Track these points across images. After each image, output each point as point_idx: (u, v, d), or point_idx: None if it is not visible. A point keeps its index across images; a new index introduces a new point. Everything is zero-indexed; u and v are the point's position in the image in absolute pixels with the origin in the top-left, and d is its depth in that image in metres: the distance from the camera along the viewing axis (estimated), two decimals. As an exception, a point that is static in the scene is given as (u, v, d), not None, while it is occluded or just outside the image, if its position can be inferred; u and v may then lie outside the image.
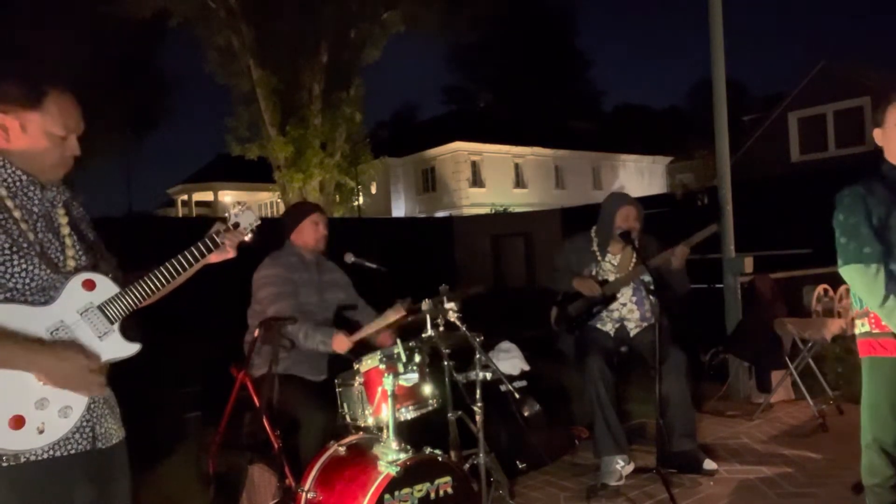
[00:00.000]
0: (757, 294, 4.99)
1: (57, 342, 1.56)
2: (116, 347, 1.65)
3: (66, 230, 1.69)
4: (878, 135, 2.35)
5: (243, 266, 3.23)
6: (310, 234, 3.34)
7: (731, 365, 5.24)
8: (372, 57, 20.42)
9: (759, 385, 4.98)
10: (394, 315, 2.85)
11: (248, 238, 1.89)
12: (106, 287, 1.66)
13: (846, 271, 2.26)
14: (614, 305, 3.86)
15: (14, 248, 1.54)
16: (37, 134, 1.60)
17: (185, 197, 35.87)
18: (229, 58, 19.33)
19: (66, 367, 1.53)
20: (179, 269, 1.75)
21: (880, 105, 2.36)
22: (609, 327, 3.89)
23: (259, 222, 1.90)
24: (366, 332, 3.01)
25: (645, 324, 3.87)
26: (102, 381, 1.62)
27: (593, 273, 3.87)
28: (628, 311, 3.88)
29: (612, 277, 3.85)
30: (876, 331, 2.28)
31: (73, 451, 1.58)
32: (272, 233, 3.32)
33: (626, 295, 3.87)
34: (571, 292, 3.88)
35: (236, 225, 1.86)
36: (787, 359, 4.67)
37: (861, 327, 2.34)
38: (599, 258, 3.91)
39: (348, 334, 3.04)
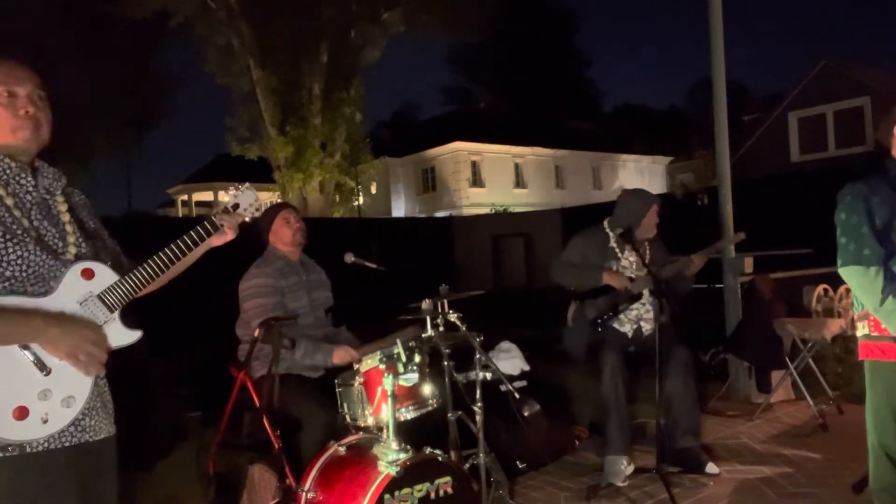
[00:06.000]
0: (757, 294, 4.98)
1: (62, 314, 1.56)
2: (117, 335, 1.65)
3: (65, 217, 1.67)
4: None
5: (244, 265, 3.26)
6: (285, 232, 3.32)
7: (731, 365, 5.24)
8: (372, 57, 20.46)
9: (759, 385, 4.97)
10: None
11: (248, 218, 1.87)
12: (105, 275, 1.66)
13: (845, 272, 2.24)
14: (634, 305, 3.72)
15: (8, 236, 1.53)
16: None
17: (185, 197, 35.83)
18: (229, 58, 19.36)
19: (69, 339, 1.53)
20: (178, 253, 1.73)
21: None
22: (627, 328, 3.75)
23: (259, 202, 1.88)
24: (374, 347, 3.03)
25: (657, 324, 3.81)
26: (104, 358, 1.60)
27: (614, 269, 3.71)
28: (646, 312, 3.76)
29: (631, 274, 3.73)
30: (875, 334, 2.26)
31: (66, 444, 1.57)
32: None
33: (644, 294, 3.74)
34: (597, 288, 3.69)
35: (236, 206, 1.84)
36: (787, 359, 4.67)
37: (861, 329, 2.32)
38: (619, 254, 3.77)
39: (355, 347, 3.11)
